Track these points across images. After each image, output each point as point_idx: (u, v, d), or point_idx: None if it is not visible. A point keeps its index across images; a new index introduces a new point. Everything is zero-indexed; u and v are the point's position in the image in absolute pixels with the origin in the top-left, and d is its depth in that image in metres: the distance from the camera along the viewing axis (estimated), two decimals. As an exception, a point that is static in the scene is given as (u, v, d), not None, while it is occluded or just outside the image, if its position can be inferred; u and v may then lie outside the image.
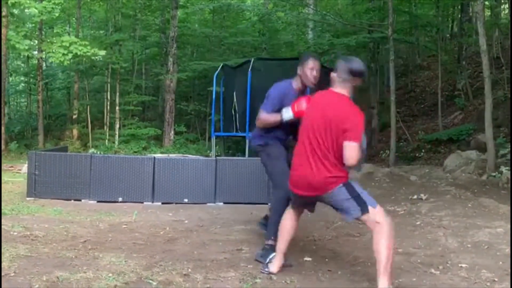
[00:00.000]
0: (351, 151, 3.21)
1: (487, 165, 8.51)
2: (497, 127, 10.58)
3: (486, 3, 14.41)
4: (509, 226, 4.79)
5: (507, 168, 8.02)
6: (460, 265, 3.79)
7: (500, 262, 3.82)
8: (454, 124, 13.60)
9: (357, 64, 3.41)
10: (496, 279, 3.45)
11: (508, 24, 12.82)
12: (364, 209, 3.31)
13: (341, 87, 3.37)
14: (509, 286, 3.32)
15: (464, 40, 14.79)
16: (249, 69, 12.10)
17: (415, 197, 6.96)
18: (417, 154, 12.67)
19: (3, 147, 15.19)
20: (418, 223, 5.39)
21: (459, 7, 15.79)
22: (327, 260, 3.92)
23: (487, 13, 15.43)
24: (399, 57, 18.81)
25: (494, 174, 8.13)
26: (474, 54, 15.45)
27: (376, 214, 3.33)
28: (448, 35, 17.94)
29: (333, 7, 20.32)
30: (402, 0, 15.83)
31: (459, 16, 15.93)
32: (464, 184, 7.87)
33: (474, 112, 13.27)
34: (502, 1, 16.04)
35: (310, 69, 4.00)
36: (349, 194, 3.32)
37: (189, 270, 3.57)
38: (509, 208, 5.70)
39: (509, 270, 3.57)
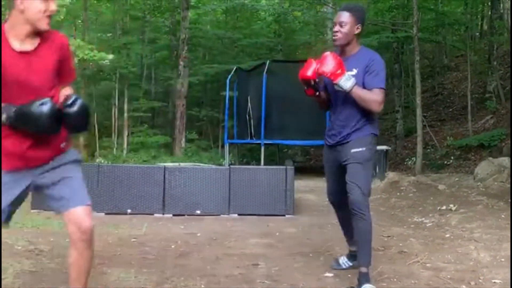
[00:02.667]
0: None
1: (521, 172, 8.41)
2: (532, 131, 10.44)
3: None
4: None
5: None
6: (493, 280, 3.74)
7: (537, 278, 3.76)
8: (485, 128, 13.47)
9: None
10: (533, 296, 3.40)
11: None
12: None
13: (9, 17, 2.55)
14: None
15: (495, 39, 14.66)
16: (264, 72, 12.15)
17: (444, 207, 6.89)
18: (445, 162, 12.57)
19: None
20: (447, 235, 5.33)
21: (489, 3, 15.71)
22: (349, 276, 3.89)
23: (520, 9, 15.29)
24: (425, 58, 18.71)
25: (529, 182, 8.03)
26: (506, 54, 15.30)
27: None
28: (477, 34, 17.84)
29: (353, 5, 20.29)
30: (428, -3, 15.78)
31: (489, 13, 15.83)
32: (496, 194, 7.78)
33: (506, 116, 13.12)
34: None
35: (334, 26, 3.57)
36: None
37: (202, 286, 3.57)
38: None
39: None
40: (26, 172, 2.59)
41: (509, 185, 8.29)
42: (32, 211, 6.51)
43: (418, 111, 11.62)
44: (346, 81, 3.38)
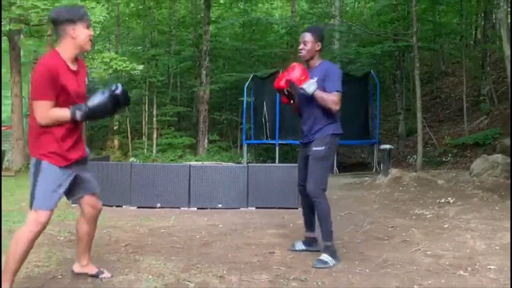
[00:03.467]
0: (36, 110, 2.84)
1: (513, 168, 8.28)
2: (523, 131, 10.29)
3: (509, 9, 14.09)
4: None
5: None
6: (488, 267, 3.69)
7: (529, 264, 3.70)
8: (480, 128, 13.31)
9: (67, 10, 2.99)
10: (525, 281, 3.35)
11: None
12: (31, 203, 2.91)
13: (59, 43, 2.96)
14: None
15: (488, 47, 14.48)
16: (278, 80, 12.13)
17: (442, 200, 6.82)
18: (444, 159, 12.44)
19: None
20: (446, 226, 5.28)
21: (482, 14, 15.51)
22: (357, 262, 3.88)
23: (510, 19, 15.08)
24: (424, 65, 18.55)
25: (521, 177, 7.91)
26: (498, 60, 15.12)
27: (32, 218, 2.88)
28: (472, 42, 17.61)
29: (358, 17, 20.20)
30: (426, 9, 15.63)
31: (483, 23, 15.62)
32: (491, 187, 7.68)
33: (499, 117, 12.96)
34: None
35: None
36: (32, 173, 2.91)
37: (224, 272, 3.58)
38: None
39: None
40: (71, 168, 3.02)
41: (502, 180, 8.18)
42: (73, 205, 6.58)
43: (418, 113, 11.52)
44: (310, 86, 3.73)
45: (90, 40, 3.02)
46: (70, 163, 2.98)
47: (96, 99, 2.93)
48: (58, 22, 2.92)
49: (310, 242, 4.22)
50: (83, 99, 3.00)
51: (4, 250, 4.09)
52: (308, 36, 3.91)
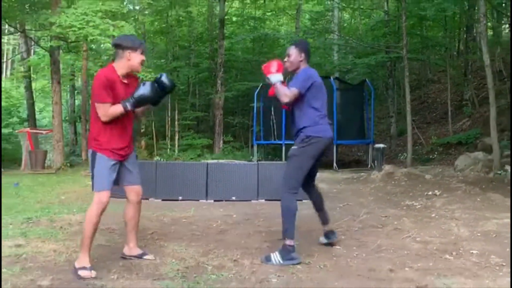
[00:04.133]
0: (99, 110, 3.11)
1: (493, 164, 8.21)
2: (501, 131, 10.21)
3: (489, 24, 13.97)
4: (515, 217, 4.59)
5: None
6: (471, 251, 3.66)
7: (507, 249, 3.67)
8: (463, 129, 13.20)
9: (124, 38, 3.31)
10: (504, 264, 3.32)
11: (509, 41, 12.33)
12: (93, 187, 3.25)
13: (116, 61, 3.24)
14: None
15: (469, 57, 14.35)
16: (284, 87, 12.10)
17: (430, 193, 6.77)
18: (431, 156, 12.35)
19: (84, 157, 15.69)
20: (433, 215, 5.25)
21: (464, 28, 15.36)
22: (354, 248, 3.86)
23: (490, 32, 14.95)
24: (413, 73, 18.38)
25: (499, 172, 7.83)
26: (479, 68, 14.97)
27: (95, 199, 3.21)
28: (455, 53, 17.43)
29: (355, 32, 20.11)
30: (414, 25, 15.53)
31: (465, 36, 15.47)
32: (473, 181, 7.61)
33: (480, 119, 12.84)
34: (503, 22, 15.54)
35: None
36: (90, 162, 3.23)
37: (238, 256, 3.58)
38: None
39: (516, 256, 3.43)
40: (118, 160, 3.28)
41: (483, 174, 8.11)
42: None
43: (408, 116, 11.45)
44: (274, 77, 3.60)
45: (142, 64, 3.26)
46: (117, 157, 3.23)
47: (139, 91, 3.16)
48: (121, 47, 3.20)
49: (327, 235, 3.94)
50: None
51: (47, 237, 4.13)
52: (291, 49, 3.70)
